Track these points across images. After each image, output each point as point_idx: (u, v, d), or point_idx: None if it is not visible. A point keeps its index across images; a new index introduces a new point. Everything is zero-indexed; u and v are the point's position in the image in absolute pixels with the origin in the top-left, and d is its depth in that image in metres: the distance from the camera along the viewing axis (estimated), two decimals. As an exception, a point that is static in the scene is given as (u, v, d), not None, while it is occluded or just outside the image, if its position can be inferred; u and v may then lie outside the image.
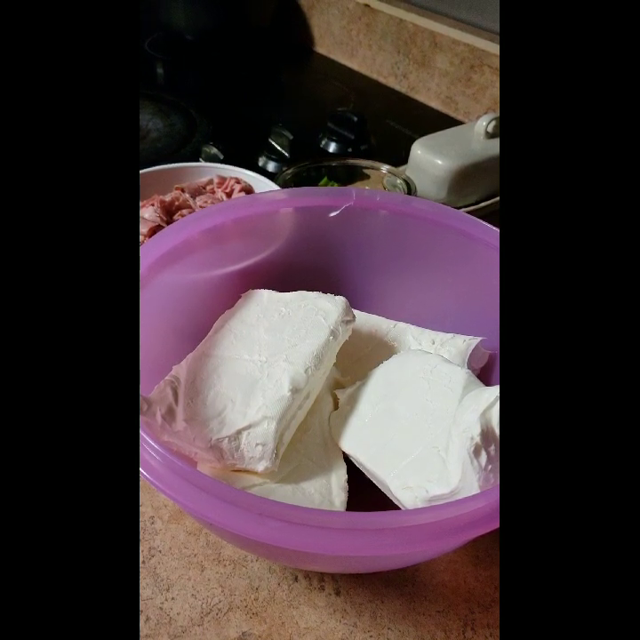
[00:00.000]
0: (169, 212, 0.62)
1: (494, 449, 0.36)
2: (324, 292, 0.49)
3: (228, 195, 0.66)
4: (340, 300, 0.47)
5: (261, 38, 1.24)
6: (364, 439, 0.42)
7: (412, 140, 0.77)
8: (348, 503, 0.40)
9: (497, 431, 0.37)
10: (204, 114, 0.99)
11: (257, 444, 0.39)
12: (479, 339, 0.50)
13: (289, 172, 0.72)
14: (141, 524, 0.45)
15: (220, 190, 0.66)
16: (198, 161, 0.82)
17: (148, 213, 0.60)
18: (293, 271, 0.54)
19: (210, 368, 0.43)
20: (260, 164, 0.84)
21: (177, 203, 0.63)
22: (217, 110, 1.02)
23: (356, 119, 0.88)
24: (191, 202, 0.64)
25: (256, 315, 0.47)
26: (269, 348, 0.44)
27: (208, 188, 0.67)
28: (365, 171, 0.73)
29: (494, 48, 0.93)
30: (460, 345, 0.50)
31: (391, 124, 0.99)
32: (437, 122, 0.98)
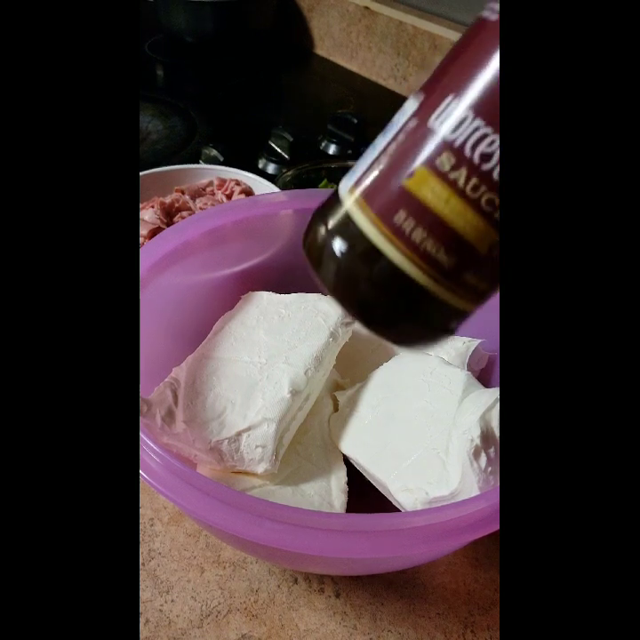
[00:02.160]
0: (169, 214, 0.62)
1: (494, 451, 0.36)
2: (324, 294, 0.49)
3: (228, 197, 0.66)
4: (340, 301, 0.47)
5: (261, 40, 1.25)
6: (364, 441, 0.42)
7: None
8: (347, 505, 0.40)
9: (497, 433, 0.37)
10: (204, 116, 0.99)
11: (257, 446, 0.39)
12: (479, 340, 0.50)
13: (289, 174, 0.72)
14: (141, 526, 0.45)
15: (219, 192, 0.66)
16: (198, 163, 0.82)
17: (148, 215, 0.60)
18: (293, 273, 0.54)
19: (209, 370, 0.43)
20: (260, 165, 0.84)
21: (177, 205, 0.63)
22: (217, 112, 1.02)
23: (355, 121, 0.88)
24: (191, 204, 0.64)
25: (256, 317, 0.47)
26: (269, 350, 0.44)
27: (208, 189, 0.67)
28: (365, 173, 0.73)
29: (494, 50, 0.93)
30: (460, 347, 0.50)
31: (391, 126, 0.99)
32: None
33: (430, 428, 0.40)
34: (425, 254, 0.25)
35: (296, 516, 0.31)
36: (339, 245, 0.27)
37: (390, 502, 0.40)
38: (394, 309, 0.27)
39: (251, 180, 0.68)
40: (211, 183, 0.68)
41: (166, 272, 0.47)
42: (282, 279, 0.53)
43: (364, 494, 0.41)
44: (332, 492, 0.40)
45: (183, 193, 0.65)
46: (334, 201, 0.28)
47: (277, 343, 0.44)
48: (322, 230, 0.28)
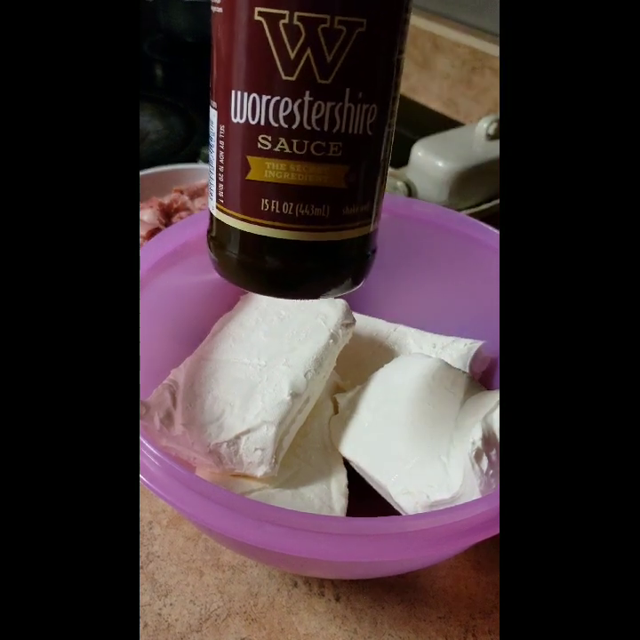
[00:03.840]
0: (168, 215, 0.62)
1: (496, 454, 0.36)
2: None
3: (228, 197, 0.65)
4: (340, 303, 0.47)
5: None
6: (365, 444, 0.41)
7: (413, 142, 0.77)
8: (348, 509, 0.40)
9: (499, 436, 0.36)
10: (204, 116, 0.99)
11: (256, 449, 0.38)
12: (480, 342, 0.50)
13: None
14: (140, 529, 0.45)
15: (219, 192, 0.66)
16: (197, 163, 0.82)
17: (147, 216, 0.60)
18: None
19: (208, 372, 0.43)
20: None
21: (176, 205, 0.63)
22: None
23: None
24: (190, 204, 0.63)
25: (255, 318, 0.47)
26: (269, 352, 0.44)
27: (207, 190, 0.67)
28: (365, 173, 0.73)
29: (495, 50, 0.93)
30: (462, 349, 0.49)
31: (391, 126, 0.98)
32: (438, 124, 0.98)
33: (431, 430, 0.39)
34: (302, 219, 0.28)
35: (296, 520, 0.31)
36: (232, 253, 0.30)
37: (391, 506, 0.40)
38: (311, 273, 0.30)
39: (250, 180, 0.67)
40: (210, 183, 0.67)
41: (165, 273, 0.46)
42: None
43: (365, 497, 0.41)
44: (332, 495, 0.40)
45: (182, 193, 0.65)
46: (212, 220, 0.31)
47: (277, 345, 0.44)
48: (215, 247, 0.31)
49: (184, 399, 0.41)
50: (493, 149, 0.75)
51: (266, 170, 0.27)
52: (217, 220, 0.30)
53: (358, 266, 0.31)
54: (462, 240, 0.50)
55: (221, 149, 0.29)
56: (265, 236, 0.28)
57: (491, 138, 0.76)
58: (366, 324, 0.53)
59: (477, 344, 0.50)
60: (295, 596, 0.42)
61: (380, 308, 0.55)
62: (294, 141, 0.26)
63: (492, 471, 0.36)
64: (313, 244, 0.28)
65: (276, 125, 0.26)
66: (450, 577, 0.43)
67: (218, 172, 0.29)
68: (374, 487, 0.41)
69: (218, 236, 0.31)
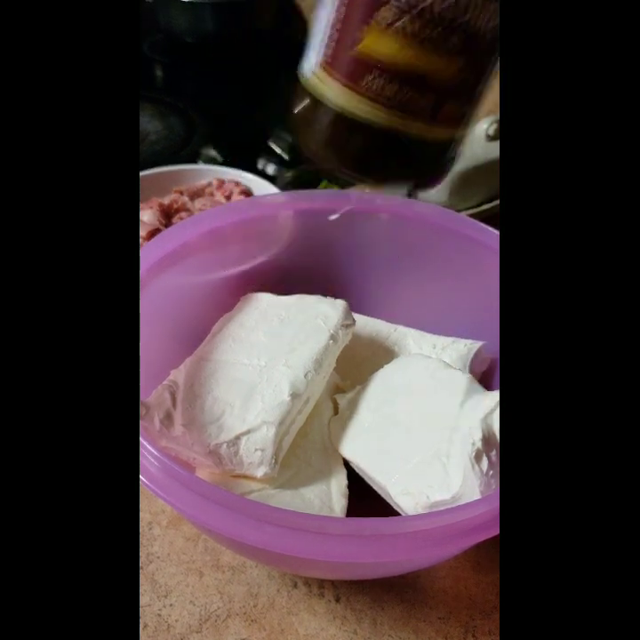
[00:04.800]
0: (167, 215, 0.62)
1: (496, 454, 0.36)
2: (324, 295, 0.48)
3: (227, 198, 0.65)
4: (340, 303, 0.47)
5: (261, 41, 1.24)
6: (365, 444, 0.41)
7: (413, 143, 0.77)
8: (348, 509, 0.40)
9: (499, 436, 0.36)
10: (203, 116, 0.99)
11: (256, 450, 0.38)
12: (480, 343, 0.50)
13: (288, 174, 0.71)
14: (139, 530, 0.45)
15: (218, 193, 0.66)
16: (197, 163, 0.82)
17: (147, 216, 0.60)
18: (293, 275, 0.54)
19: (208, 372, 0.43)
20: (260, 166, 0.83)
21: (175, 206, 0.63)
22: (216, 112, 1.01)
23: (356, 122, 0.87)
24: (190, 205, 0.63)
25: (255, 318, 0.47)
26: (269, 353, 0.43)
27: (207, 190, 0.67)
28: (365, 173, 0.73)
29: (495, 51, 0.93)
30: (462, 349, 0.49)
31: (391, 127, 0.98)
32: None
33: (431, 431, 0.39)
34: (401, 105, 0.27)
35: (296, 520, 0.31)
36: (321, 124, 0.30)
37: (391, 506, 0.40)
38: (392, 162, 0.30)
39: (250, 180, 0.67)
40: (210, 184, 0.67)
41: (165, 274, 0.46)
42: (282, 281, 0.53)
43: (365, 497, 0.41)
44: (332, 495, 0.40)
45: (182, 194, 0.65)
46: (300, 94, 0.30)
47: (277, 345, 0.44)
48: (301, 121, 0.31)
49: (184, 400, 0.41)
50: (493, 150, 0.75)
51: (380, 44, 0.26)
52: (313, 88, 0.29)
53: (437, 167, 0.31)
54: (462, 240, 0.50)
55: (337, 12, 0.27)
56: (358, 115, 0.28)
57: (491, 138, 0.76)
58: (366, 324, 0.53)
59: (477, 344, 0.50)
60: (295, 596, 0.42)
61: (380, 309, 0.55)
62: (417, 23, 0.25)
63: (491, 471, 0.36)
64: (402, 134, 0.28)
65: (403, 1, 0.25)
66: (450, 577, 0.43)
67: (332, 32, 0.28)
68: (374, 488, 0.41)
69: (307, 109, 0.30)
